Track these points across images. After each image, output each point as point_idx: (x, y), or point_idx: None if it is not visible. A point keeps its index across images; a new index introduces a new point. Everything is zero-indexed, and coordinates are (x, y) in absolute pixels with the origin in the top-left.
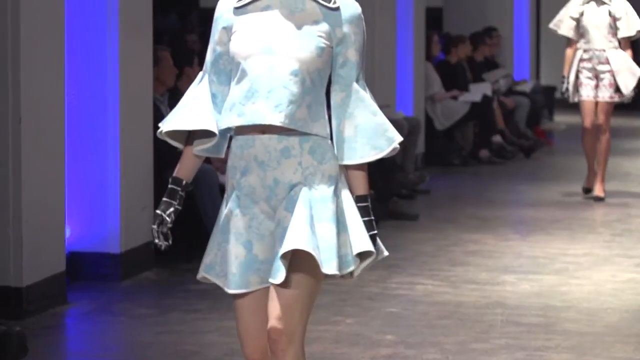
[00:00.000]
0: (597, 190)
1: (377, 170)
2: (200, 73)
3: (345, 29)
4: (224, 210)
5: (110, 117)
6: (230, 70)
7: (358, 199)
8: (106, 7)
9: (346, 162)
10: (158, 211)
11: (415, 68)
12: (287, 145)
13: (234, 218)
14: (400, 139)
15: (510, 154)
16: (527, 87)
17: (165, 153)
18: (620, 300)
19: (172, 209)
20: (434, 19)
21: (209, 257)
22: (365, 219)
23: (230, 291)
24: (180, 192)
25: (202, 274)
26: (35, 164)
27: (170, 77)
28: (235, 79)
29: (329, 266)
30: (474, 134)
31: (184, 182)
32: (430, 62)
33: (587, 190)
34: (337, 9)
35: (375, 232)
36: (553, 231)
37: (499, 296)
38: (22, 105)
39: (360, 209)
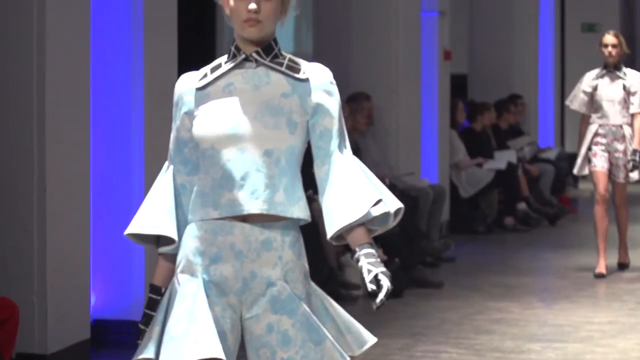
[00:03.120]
0: (622, 257)
1: (402, 238)
2: (165, 165)
3: (318, 97)
4: (184, 296)
5: (136, 186)
6: (197, 158)
7: (361, 248)
8: (131, 76)
9: (338, 225)
10: (141, 326)
11: (440, 135)
12: (269, 237)
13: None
14: (400, 205)
15: (535, 221)
16: (551, 155)
17: None
18: None
19: None
20: (458, 86)
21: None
22: (370, 260)
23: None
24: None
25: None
26: (60, 231)
27: None
28: (203, 167)
29: None
30: (499, 202)
31: (163, 289)
32: (455, 129)
33: (600, 275)
34: (307, 79)
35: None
36: (578, 299)
37: None
38: (47, 172)
39: (364, 255)
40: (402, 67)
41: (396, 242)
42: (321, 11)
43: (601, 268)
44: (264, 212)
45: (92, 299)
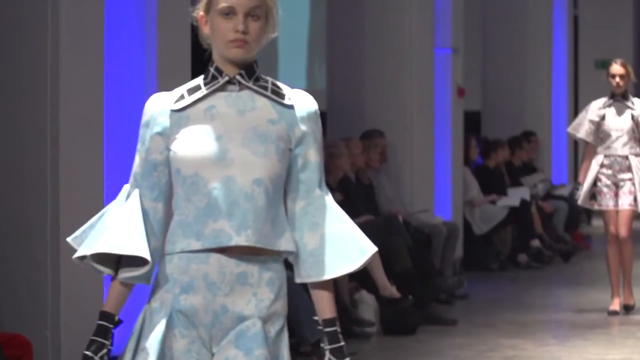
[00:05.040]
0: (627, 298)
1: (415, 275)
2: (126, 187)
3: (304, 127)
4: (155, 329)
5: None
6: (165, 183)
7: (325, 323)
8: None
9: (314, 279)
10: (88, 352)
11: (454, 172)
12: (246, 271)
13: (172, 339)
14: (374, 249)
15: (548, 258)
16: (565, 192)
17: None
18: None
19: (104, 351)
20: (472, 123)
21: None
22: (335, 345)
23: None
24: (112, 330)
25: None
26: (74, 267)
27: None
28: (184, 195)
29: None
30: (512, 239)
31: (115, 317)
32: (469, 166)
33: (614, 312)
34: (292, 106)
35: (348, 359)
36: (591, 336)
37: None
38: (61, 209)
39: (328, 335)
40: (416, 104)
41: (410, 279)
42: (335, 48)
43: (615, 305)
44: (252, 244)
45: None
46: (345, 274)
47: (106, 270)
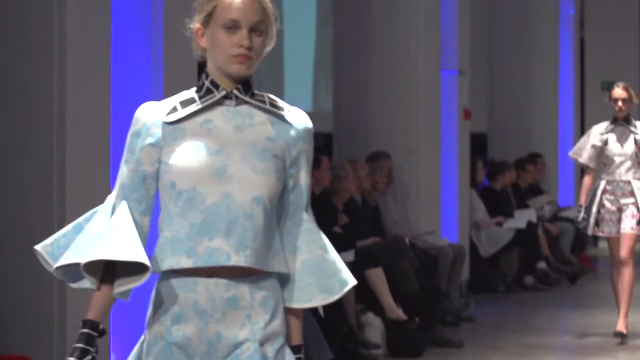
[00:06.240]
0: (620, 326)
1: (422, 297)
2: (111, 198)
3: (300, 146)
4: None
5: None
6: (152, 196)
7: (294, 350)
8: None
9: (288, 304)
10: (71, 359)
11: (460, 194)
12: (236, 294)
13: None
14: (354, 282)
15: (555, 280)
16: (571, 214)
17: None
18: None
19: (89, 357)
20: (478, 145)
21: None
22: None
23: None
24: (97, 338)
25: None
26: (80, 290)
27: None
28: (175, 210)
29: None
30: (519, 261)
31: (100, 326)
32: (475, 188)
33: (620, 334)
34: (290, 123)
35: None
36: (598, 358)
37: None
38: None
39: None
40: (422, 125)
41: (416, 301)
42: (341, 69)
43: (621, 327)
44: (251, 265)
45: (112, 358)
46: (323, 304)
47: (90, 280)
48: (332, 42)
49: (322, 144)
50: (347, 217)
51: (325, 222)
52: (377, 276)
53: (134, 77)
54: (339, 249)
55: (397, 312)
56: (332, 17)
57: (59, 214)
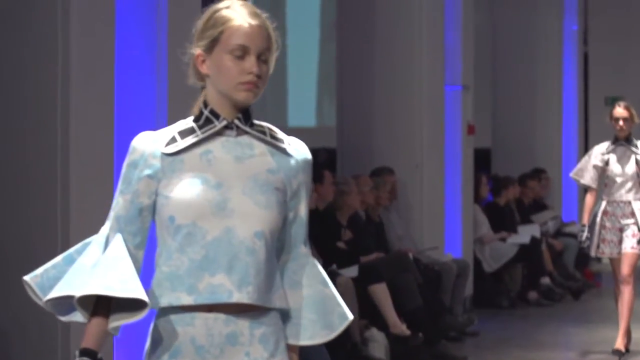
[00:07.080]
0: (618, 344)
1: (425, 313)
2: (105, 230)
3: (300, 178)
4: None
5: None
6: (147, 229)
7: None
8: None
9: (291, 341)
10: None
11: (464, 210)
12: (235, 330)
13: None
14: (352, 317)
15: (558, 296)
16: (575, 229)
17: None
18: None
19: None
20: (482, 160)
21: None
22: None
23: None
24: None
25: None
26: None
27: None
28: (174, 245)
29: None
30: (523, 276)
31: (98, 355)
32: (479, 203)
33: (618, 352)
34: (290, 155)
35: None
36: None
37: None
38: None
39: None
40: (426, 141)
41: (420, 316)
42: (344, 85)
43: (619, 345)
44: (253, 302)
45: None
46: (324, 342)
47: (82, 313)
48: (336, 57)
49: (325, 159)
50: (351, 232)
51: (328, 237)
52: (381, 291)
53: (138, 92)
54: (343, 264)
55: (400, 328)
56: (335, 33)
57: (62, 229)
